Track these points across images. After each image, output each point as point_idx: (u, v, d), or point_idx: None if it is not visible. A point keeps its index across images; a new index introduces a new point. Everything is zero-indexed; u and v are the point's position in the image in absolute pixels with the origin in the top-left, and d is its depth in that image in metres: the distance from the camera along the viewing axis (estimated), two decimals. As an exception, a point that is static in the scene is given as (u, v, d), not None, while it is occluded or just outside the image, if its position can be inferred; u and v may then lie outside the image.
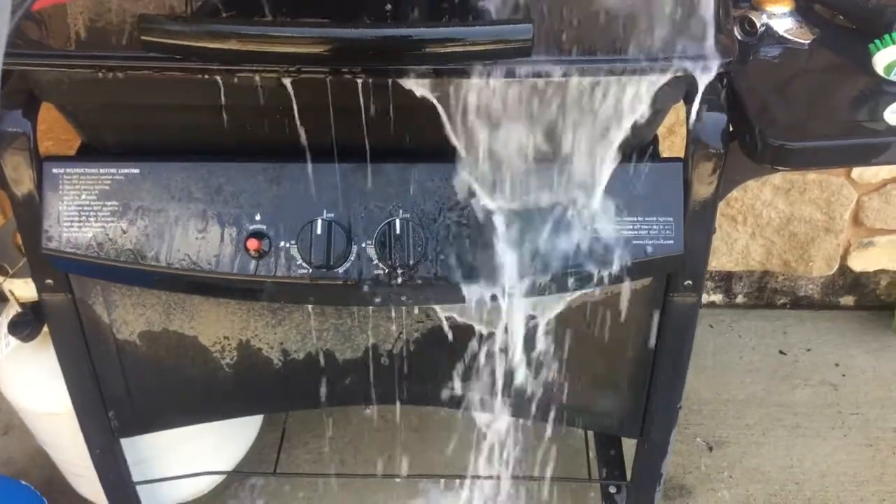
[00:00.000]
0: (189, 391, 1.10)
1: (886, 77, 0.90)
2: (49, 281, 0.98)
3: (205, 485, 1.40)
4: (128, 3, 0.78)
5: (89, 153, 0.95)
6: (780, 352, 1.79)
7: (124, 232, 0.90)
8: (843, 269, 1.79)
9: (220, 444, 1.37)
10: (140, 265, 0.91)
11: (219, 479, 1.43)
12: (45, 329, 1.13)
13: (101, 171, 0.91)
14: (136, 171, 0.91)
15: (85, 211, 0.91)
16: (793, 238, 1.71)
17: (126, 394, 1.09)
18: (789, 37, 0.98)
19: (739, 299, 1.87)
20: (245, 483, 1.52)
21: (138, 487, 1.22)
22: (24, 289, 1.13)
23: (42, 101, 0.89)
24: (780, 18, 0.98)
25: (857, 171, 1.61)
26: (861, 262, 1.76)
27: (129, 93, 0.84)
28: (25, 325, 1.14)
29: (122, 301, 1.01)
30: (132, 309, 1.02)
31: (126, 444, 1.16)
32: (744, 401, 1.69)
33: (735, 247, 1.73)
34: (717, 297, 1.87)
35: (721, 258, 1.75)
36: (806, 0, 1.01)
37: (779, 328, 1.84)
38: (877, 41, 0.90)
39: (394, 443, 1.52)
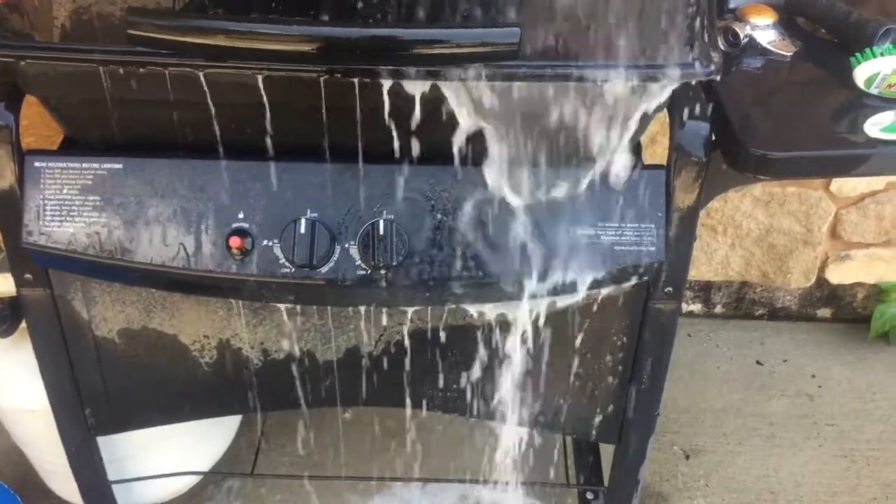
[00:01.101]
0: (167, 390, 1.09)
1: (866, 90, 0.91)
2: (28, 276, 0.97)
3: (181, 485, 1.39)
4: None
5: (72, 148, 0.95)
6: (758, 362, 1.81)
7: (106, 228, 0.90)
8: (821, 282, 1.81)
9: (197, 444, 1.36)
10: (121, 261, 0.90)
11: (195, 479, 1.42)
12: (23, 325, 1.12)
13: (84, 165, 0.91)
14: (119, 166, 0.90)
15: (66, 206, 0.90)
16: (772, 249, 1.72)
17: (103, 391, 1.08)
18: (772, 48, 0.99)
19: (718, 309, 1.88)
20: (222, 485, 1.51)
21: (114, 486, 1.21)
22: (1, 283, 1.12)
23: (25, 94, 0.89)
24: (763, 30, 1.00)
25: (835, 185, 1.63)
26: (838, 275, 1.78)
27: (114, 87, 0.84)
28: (2, 320, 1.13)
29: (102, 298, 1.01)
30: (112, 306, 1.01)
31: (102, 442, 1.15)
32: (721, 410, 1.70)
33: (714, 257, 1.75)
34: (696, 307, 1.88)
35: (700, 268, 1.77)
36: (789, 13, 1.02)
37: (756, 339, 1.86)
38: (858, 54, 0.92)
39: (372, 446, 1.51)
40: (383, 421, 1.55)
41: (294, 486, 1.50)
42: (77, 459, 1.15)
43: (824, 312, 1.88)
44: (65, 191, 0.91)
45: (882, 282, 1.77)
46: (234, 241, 0.89)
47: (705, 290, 1.85)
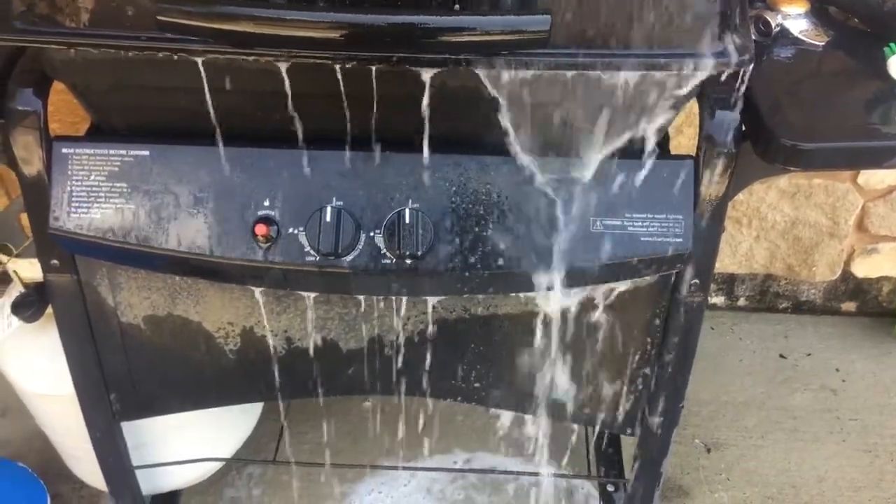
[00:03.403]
0: (191, 376, 1.10)
1: (901, 81, 0.90)
2: (55, 262, 0.98)
3: (203, 471, 1.39)
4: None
5: (99, 134, 0.95)
6: (781, 355, 1.79)
7: (132, 214, 0.90)
8: (846, 275, 1.79)
9: (219, 431, 1.37)
10: (147, 248, 0.90)
11: (217, 466, 1.43)
12: (48, 311, 1.12)
13: (111, 152, 0.91)
14: (146, 153, 0.90)
15: (94, 192, 0.91)
16: (797, 242, 1.71)
17: (128, 377, 1.08)
18: (804, 38, 0.97)
19: (741, 302, 1.87)
20: (243, 471, 1.52)
21: (137, 472, 1.22)
22: (28, 269, 1.13)
23: (53, 81, 0.89)
24: (794, 19, 0.98)
25: (863, 177, 1.61)
26: (864, 269, 1.76)
27: (142, 74, 0.84)
28: (29, 305, 1.14)
29: (128, 284, 1.01)
30: (137, 292, 1.02)
31: (126, 427, 1.16)
32: (743, 403, 1.69)
33: (739, 249, 1.73)
34: (719, 300, 1.87)
35: (724, 260, 1.75)
36: (821, 2, 1.01)
37: (780, 332, 1.84)
38: (891, 44, 0.90)
39: (393, 434, 1.51)
40: (405, 409, 1.55)
41: (315, 473, 1.51)
42: (101, 445, 1.16)
43: (849, 306, 1.86)
44: (92, 177, 0.91)
45: (909, 275, 1.76)
46: (260, 229, 0.89)
47: (729, 283, 1.84)
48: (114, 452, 1.17)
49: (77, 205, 0.91)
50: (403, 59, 0.76)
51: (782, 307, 1.87)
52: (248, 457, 1.48)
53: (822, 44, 0.97)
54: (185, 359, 1.08)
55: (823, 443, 1.61)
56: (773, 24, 0.97)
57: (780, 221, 1.67)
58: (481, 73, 0.78)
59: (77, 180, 0.91)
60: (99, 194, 0.91)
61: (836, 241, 1.70)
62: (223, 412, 1.22)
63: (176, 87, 0.85)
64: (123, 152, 0.91)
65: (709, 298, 1.85)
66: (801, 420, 1.66)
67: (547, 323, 1.01)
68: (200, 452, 1.33)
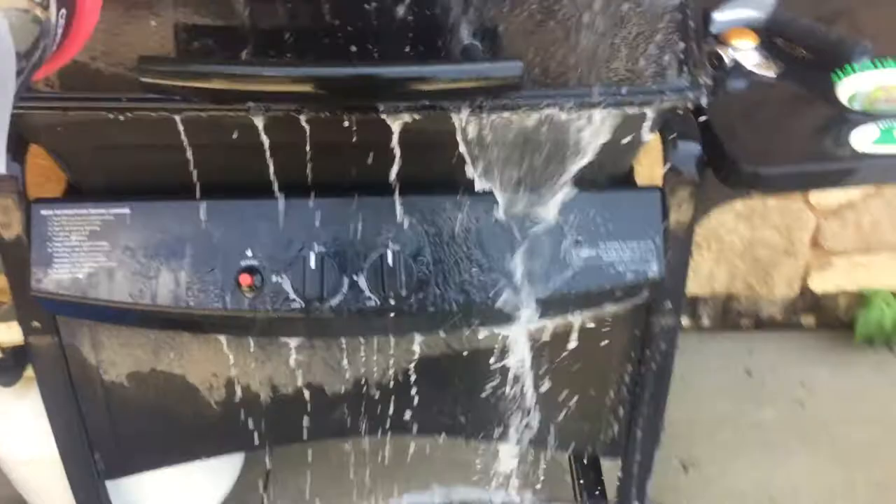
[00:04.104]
0: (177, 430, 1.10)
1: (849, 106, 0.95)
2: (36, 324, 0.98)
3: (188, 526, 1.38)
4: (114, 44, 0.78)
5: (77, 194, 0.95)
6: (747, 372, 1.84)
7: (115, 272, 0.90)
8: (804, 291, 1.85)
9: (203, 483, 1.36)
10: (133, 305, 0.91)
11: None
12: (26, 374, 1.12)
13: (91, 211, 0.91)
14: (126, 210, 0.91)
15: (75, 252, 0.91)
16: (755, 262, 1.76)
17: (112, 435, 1.08)
18: (756, 70, 1.02)
19: (705, 322, 1.92)
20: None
21: (122, 530, 1.21)
22: (4, 333, 1.12)
23: (30, 144, 0.90)
24: (746, 53, 1.03)
25: (814, 197, 1.67)
26: (821, 284, 1.82)
27: (121, 134, 0.85)
28: (5, 370, 1.13)
29: (110, 342, 1.01)
30: (120, 350, 1.02)
31: (110, 486, 1.15)
32: (715, 421, 1.72)
33: (700, 272, 1.78)
34: (684, 321, 1.92)
35: (687, 283, 1.80)
36: (769, 35, 1.06)
37: (744, 349, 1.89)
38: (839, 72, 0.95)
39: (375, 475, 1.52)
40: (385, 448, 1.55)
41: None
42: (86, 505, 1.15)
43: (809, 320, 1.92)
44: (72, 237, 0.91)
45: (864, 288, 1.82)
46: (245, 279, 0.90)
47: (692, 305, 1.88)
48: (98, 512, 1.16)
49: (58, 265, 0.91)
50: (379, 109, 0.79)
51: (745, 325, 1.92)
52: (233, 505, 1.47)
53: (774, 75, 1.02)
54: (170, 413, 1.08)
55: (795, 454, 1.65)
56: (727, 59, 1.02)
57: (738, 243, 1.73)
58: (454, 118, 0.81)
59: (58, 241, 0.91)
60: (80, 254, 0.91)
61: (792, 259, 1.76)
62: (208, 463, 1.21)
63: (154, 145, 0.86)
64: (103, 211, 0.91)
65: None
66: (771, 434, 1.70)
67: (529, 353, 1.03)
68: (185, 506, 1.32)
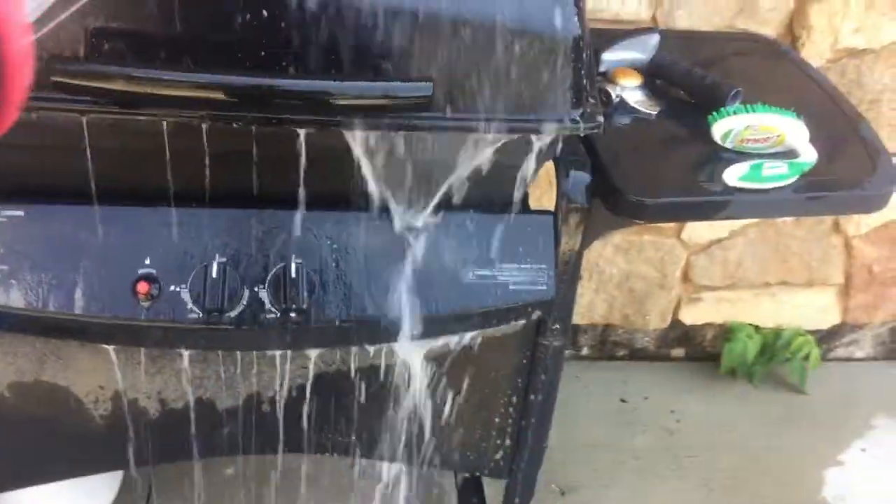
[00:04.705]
0: (59, 444, 1.06)
1: (722, 144, 1.03)
2: (-88, 328, 0.93)
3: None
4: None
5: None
6: (622, 400, 1.92)
7: (7, 276, 0.88)
8: (675, 323, 1.95)
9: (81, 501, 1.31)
10: (21, 311, 0.88)
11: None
12: None
13: (-19, 213, 0.89)
14: (20, 213, 0.89)
15: (-39, 254, 0.88)
16: (631, 293, 1.86)
17: (-13, 449, 1.03)
18: (639, 108, 1.10)
19: (585, 351, 2.00)
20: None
21: (-10, 553, 1.15)
22: None
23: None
24: (631, 91, 1.11)
25: (686, 232, 1.78)
26: (691, 316, 1.93)
27: (18, 134, 0.83)
28: None
29: (-9, 350, 0.98)
30: (2, 358, 0.98)
31: (-20, 505, 1.10)
32: (591, 446, 1.79)
33: (581, 301, 1.86)
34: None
35: (570, 311, 1.87)
36: (652, 76, 1.14)
37: (620, 378, 1.98)
38: (714, 113, 1.04)
39: (261, 497, 1.50)
40: (275, 468, 1.54)
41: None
42: (-48, 525, 1.09)
43: (678, 352, 2.03)
44: (-40, 239, 0.88)
45: (729, 321, 1.94)
46: (142, 287, 0.89)
47: (573, 333, 1.96)
48: (-35, 533, 1.10)
49: (-58, 267, 0.88)
50: (289, 121, 0.81)
51: (620, 355, 2.01)
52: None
53: (656, 113, 1.10)
54: (52, 426, 1.04)
55: (665, 480, 1.74)
56: (613, 95, 1.09)
57: (615, 275, 1.82)
58: (356, 135, 0.84)
59: (-57, 242, 0.88)
60: (-34, 256, 0.88)
61: (665, 292, 1.86)
62: (86, 481, 1.17)
63: (56, 147, 0.85)
64: (-5, 213, 0.89)
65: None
66: (644, 459, 1.78)
67: (422, 371, 1.06)
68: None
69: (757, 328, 1.93)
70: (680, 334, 1.99)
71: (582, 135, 0.91)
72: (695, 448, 1.82)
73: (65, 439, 1.06)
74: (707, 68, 1.16)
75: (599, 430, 1.83)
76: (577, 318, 1.89)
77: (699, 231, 1.78)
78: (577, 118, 0.89)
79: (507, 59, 0.84)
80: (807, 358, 1.89)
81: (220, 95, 0.78)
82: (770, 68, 1.25)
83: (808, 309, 1.93)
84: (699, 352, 2.02)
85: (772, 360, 1.93)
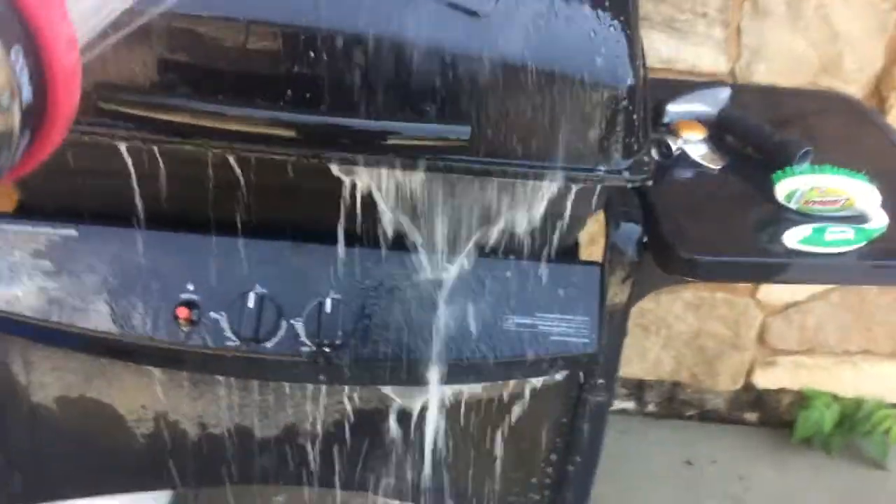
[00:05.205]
0: (101, 459, 1.08)
1: (786, 204, 0.99)
2: (-31, 337, 0.97)
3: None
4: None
5: (26, 211, 0.96)
6: (688, 462, 1.85)
7: (54, 292, 0.91)
8: (748, 386, 1.87)
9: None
10: (69, 328, 0.91)
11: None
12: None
13: (38, 230, 0.92)
14: (73, 232, 0.92)
15: (16, 269, 0.91)
16: (701, 352, 1.79)
17: (34, 458, 1.06)
18: (702, 162, 1.06)
19: (650, 408, 1.93)
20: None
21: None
22: (-62, 344, 1.11)
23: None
24: (694, 144, 1.07)
25: (762, 293, 1.71)
26: (765, 380, 1.85)
27: (73, 158, 0.87)
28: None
29: (42, 364, 1.01)
30: (51, 372, 1.01)
31: (25, 513, 1.13)
32: (651, 509, 1.73)
33: (647, 356, 1.80)
34: (630, 405, 1.93)
35: (633, 366, 1.82)
36: (719, 130, 1.11)
37: (686, 439, 1.90)
38: (779, 172, 1.00)
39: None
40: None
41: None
42: (-2, 531, 1.12)
43: (751, 416, 1.94)
44: (16, 254, 0.92)
45: (805, 388, 1.85)
46: (182, 312, 0.91)
47: (638, 389, 1.90)
48: (10, 540, 1.13)
49: (-1, 281, 0.91)
50: (335, 159, 0.81)
51: (689, 414, 1.94)
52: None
53: (719, 168, 1.06)
54: (95, 441, 1.06)
55: (726, 550, 1.66)
56: (674, 148, 1.06)
57: (685, 331, 1.76)
58: (396, 174, 0.84)
59: (1, 256, 0.92)
60: (21, 271, 0.92)
61: (738, 353, 1.79)
62: (133, 499, 1.20)
63: (107, 171, 0.88)
64: (50, 231, 0.92)
65: (619, 403, 1.91)
66: (705, 527, 1.70)
67: (456, 418, 1.04)
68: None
69: (836, 397, 1.83)
70: (753, 398, 1.90)
71: (628, 186, 0.88)
72: (762, 519, 1.73)
73: (109, 455, 1.08)
74: (781, 126, 1.11)
75: (662, 493, 1.76)
76: (643, 372, 1.84)
77: (776, 292, 1.70)
78: (624, 169, 0.87)
79: (554, 107, 0.83)
80: (888, 432, 1.78)
81: (282, 132, 0.79)
82: (849, 129, 1.20)
83: (892, 380, 1.82)
84: (773, 417, 1.93)
85: (851, 431, 1.82)
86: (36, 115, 0.43)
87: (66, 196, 0.93)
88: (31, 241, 0.92)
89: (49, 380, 1.02)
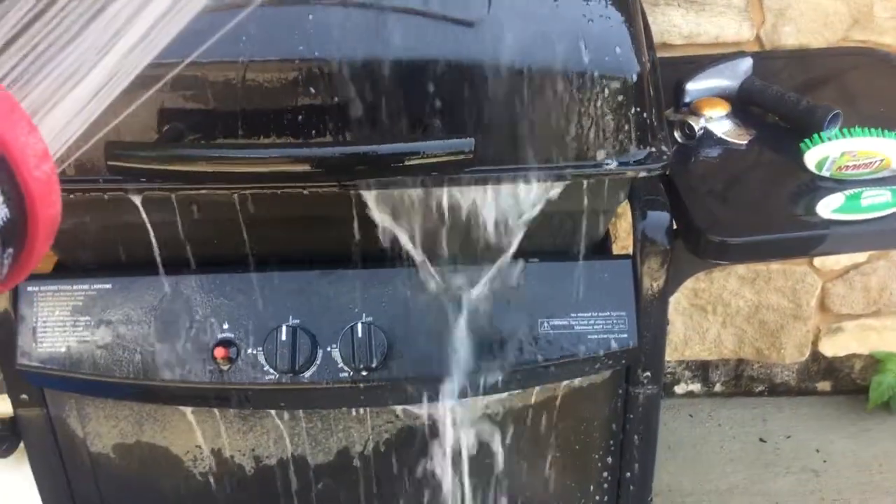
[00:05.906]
0: (164, 501, 1.11)
1: (818, 173, 0.95)
2: (24, 396, 1.00)
3: None
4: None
5: (63, 270, 0.99)
6: (761, 439, 1.80)
7: (97, 346, 0.93)
8: (816, 355, 1.81)
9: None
10: (112, 378, 0.93)
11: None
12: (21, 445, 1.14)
13: (75, 287, 0.95)
14: (108, 286, 0.94)
15: (59, 326, 0.94)
16: (763, 326, 1.74)
17: (100, 506, 1.09)
18: (727, 138, 1.03)
19: (717, 388, 1.89)
20: None
21: None
22: (1, 404, 1.15)
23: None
24: (717, 121, 1.04)
25: (818, 260, 1.66)
26: (832, 348, 1.79)
27: (99, 214, 0.89)
28: (2, 440, 1.16)
29: (96, 414, 1.03)
30: (105, 421, 1.04)
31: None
32: (726, 491, 1.69)
33: (707, 336, 1.76)
34: (696, 387, 1.89)
35: (695, 347, 1.78)
36: (742, 103, 1.07)
37: (758, 415, 1.86)
38: (807, 140, 0.96)
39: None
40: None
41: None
42: (76, 577, 1.15)
43: (824, 385, 1.88)
44: (57, 312, 0.94)
45: (876, 351, 1.78)
46: (219, 352, 0.92)
47: (703, 369, 1.86)
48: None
49: (43, 340, 0.94)
50: (349, 185, 0.82)
51: (758, 391, 1.89)
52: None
53: (745, 142, 1.03)
54: (156, 484, 1.09)
55: (809, 526, 1.61)
56: (697, 128, 1.03)
57: (743, 307, 1.71)
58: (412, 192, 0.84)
59: (42, 316, 0.94)
60: (64, 328, 0.94)
61: (801, 323, 1.73)
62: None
63: (133, 224, 0.90)
64: (86, 286, 0.95)
65: (685, 386, 1.87)
66: (786, 504, 1.66)
67: (505, 424, 1.03)
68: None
69: (909, 358, 1.76)
70: (823, 367, 1.84)
71: (654, 175, 0.86)
72: (844, 491, 1.67)
73: (170, 495, 1.10)
74: (810, 90, 1.08)
75: (736, 473, 1.72)
76: (706, 353, 1.80)
77: (832, 258, 1.65)
78: (641, 159, 0.85)
79: (561, 106, 0.82)
80: (968, 390, 1.71)
81: (295, 168, 0.80)
82: (883, 85, 1.15)
83: (967, 336, 1.75)
84: (846, 385, 1.87)
85: (929, 392, 1.75)
86: (17, 230, 0.43)
87: (97, 252, 0.95)
88: (70, 299, 0.95)
89: (104, 429, 1.04)
